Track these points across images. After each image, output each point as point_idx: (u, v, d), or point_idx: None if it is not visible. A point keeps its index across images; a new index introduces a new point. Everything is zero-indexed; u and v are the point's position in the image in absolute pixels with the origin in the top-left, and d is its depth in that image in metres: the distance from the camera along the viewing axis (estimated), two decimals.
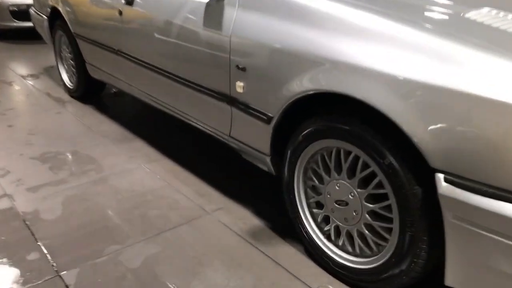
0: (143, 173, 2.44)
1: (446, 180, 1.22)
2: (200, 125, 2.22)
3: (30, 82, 4.05)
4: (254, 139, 1.87)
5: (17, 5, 5.53)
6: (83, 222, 1.99)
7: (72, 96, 3.63)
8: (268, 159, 1.84)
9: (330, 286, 1.61)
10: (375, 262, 1.50)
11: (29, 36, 5.47)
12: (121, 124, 3.10)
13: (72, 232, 1.93)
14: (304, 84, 1.53)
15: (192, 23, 2.01)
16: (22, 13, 5.54)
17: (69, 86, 3.64)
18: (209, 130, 2.17)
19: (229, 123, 1.98)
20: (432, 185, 1.27)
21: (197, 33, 1.98)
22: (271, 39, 1.63)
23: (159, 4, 2.23)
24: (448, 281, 1.31)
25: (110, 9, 2.62)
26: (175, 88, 2.24)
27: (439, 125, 1.19)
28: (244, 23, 1.75)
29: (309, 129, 1.57)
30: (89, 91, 3.51)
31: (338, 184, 1.55)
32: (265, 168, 1.94)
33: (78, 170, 2.45)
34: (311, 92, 1.51)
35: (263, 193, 2.25)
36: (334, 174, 1.56)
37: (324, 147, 1.57)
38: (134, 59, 2.52)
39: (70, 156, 2.61)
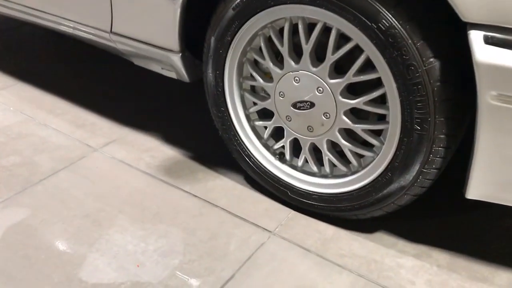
0: None
1: (487, 40, 0.78)
2: (67, 26, 1.50)
3: None
4: (152, 28, 1.24)
5: None
6: None
7: None
8: (177, 58, 1.24)
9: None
10: (358, 181, 1.06)
11: None
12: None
13: None
14: None
15: None
16: None
17: None
18: (80, 30, 1.47)
19: (109, 12, 1.31)
20: (459, 54, 0.83)
21: None
22: None
23: None
24: (471, 192, 0.92)
25: None
26: None
27: None
28: None
29: None
30: None
31: (296, 78, 1.04)
32: (171, 75, 1.35)
33: None
34: None
35: (170, 112, 1.66)
36: (289, 62, 1.04)
37: (270, 22, 1.02)
38: None
39: None
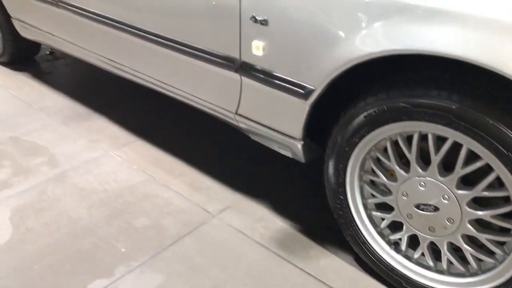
0: (113, 163, 1.87)
1: None
2: (189, 99, 1.67)
3: None
4: (278, 118, 1.37)
5: None
6: (45, 247, 1.44)
7: None
8: (298, 145, 1.36)
9: None
10: (476, 285, 1.11)
11: None
12: (70, 96, 2.44)
13: (30, 265, 1.38)
14: (371, 43, 1.04)
15: None
16: None
17: None
18: (203, 105, 1.64)
19: (237, 97, 1.46)
20: None
21: None
22: None
23: None
24: None
25: None
26: (150, 50, 1.66)
27: None
28: None
29: (378, 107, 1.10)
30: (20, 55, 2.77)
31: (422, 183, 1.12)
32: (287, 154, 1.47)
33: (24, 166, 1.84)
34: (381, 55, 1.03)
35: (283, 185, 1.78)
36: (416, 168, 1.12)
37: (400, 132, 1.11)
38: (85, 13, 1.87)
39: (10, 147, 1.98)
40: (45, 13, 2.16)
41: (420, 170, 1.11)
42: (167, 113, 2.27)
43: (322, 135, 1.37)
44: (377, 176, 1.21)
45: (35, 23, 2.32)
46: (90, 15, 1.85)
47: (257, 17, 1.25)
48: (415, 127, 1.07)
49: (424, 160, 1.11)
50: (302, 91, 1.23)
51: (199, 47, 1.47)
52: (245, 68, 1.36)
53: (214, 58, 1.44)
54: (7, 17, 2.52)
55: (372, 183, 1.27)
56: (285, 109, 1.32)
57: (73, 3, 1.92)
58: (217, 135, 2.07)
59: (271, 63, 1.28)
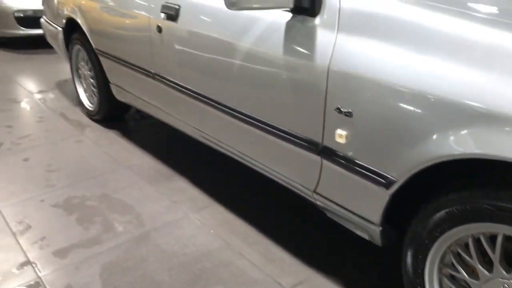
0: (192, 226, 1.99)
1: None
2: (269, 173, 1.77)
3: (42, 100, 3.60)
4: (357, 202, 1.42)
5: (23, 11, 5.08)
6: None
7: (92, 119, 3.18)
8: (376, 229, 1.40)
9: None
10: None
11: (37, 45, 5.03)
12: (155, 156, 2.65)
13: None
14: (456, 145, 1.08)
15: (264, 48, 1.56)
16: (28, 19, 5.09)
17: (88, 107, 3.19)
18: (282, 179, 1.72)
19: (317, 177, 1.53)
20: None
21: (272, 62, 1.53)
22: (400, 75, 1.18)
23: (214, 22, 1.78)
24: None
25: (145, 25, 2.17)
26: (237, 127, 1.80)
27: None
28: (350, 52, 1.30)
29: (460, 205, 1.12)
30: (113, 114, 3.06)
31: (506, 285, 1.11)
32: (364, 236, 1.50)
33: (113, 224, 2.00)
34: (470, 157, 1.07)
35: (359, 262, 1.80)
36: (499, 270, 1.11)
37: (482, 231, 1.12)
38: (179, 87, 2.07)
39: (100, 203, 2.17)
40: (141, 83, 2.40)
41: (504, 272, 1.10)
42: (243, 179, 2.39)
43: (400, 220, 1.40)
44: (458, 272, 1.21)
45: (131, 89, 2.57)
46: (183, 90, 2.04)
47: (342, 109, 1.34)
48: (499, 229, 1.08)
49: (510, 261, 1.11)
50: (383, 181, 1.28)
51: (284, 128, 1.58)
52: (327, 153, 1.44)
53: (297, 140, 1.54)
54: (106, 82, 2.82)
55: (452, 277, 1.26)
56: (365, 195, 1.37)
57: (169, 78, 2.13)
58: (293, 203, 2.14)
59: (353, 152, 1.35)
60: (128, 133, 2.97)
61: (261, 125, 1.66)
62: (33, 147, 2.77)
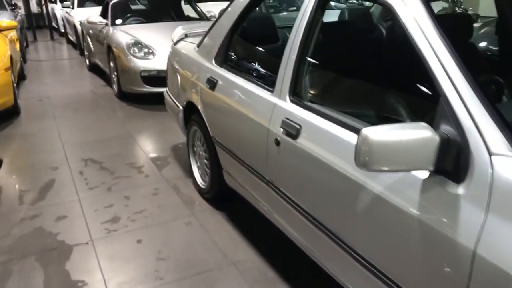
0: None
1: None
2: None
3: (158, 167, 3.79)
4: None
5: (148, 71, 5.50)
6: None
7: (202, 196, 3.25)
8: None
9: None
10: None
11: (159, 100, 5.39)
12: (260, 252, 2.58)
13: None
14: None
15: (398, 200, 1.42)
16: (151, 78, 5.50)
17: (200, 184, 3.27)
18: None
19: None
20: None
21: (405, 216, 1.38)
22: None
23: (336, 152, 1.68)
24: None
25: (263, 133, 2.15)
26: (353, 267, 1.66)
27: None
28: (506, 242, 1.11)
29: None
30: (222, 196, 3.10)
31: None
32: None
33: None
34: None
35: None
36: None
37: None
38: (293, 203, 2.00)
39: None
40: (254, 183, 2.37)
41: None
42: None
43: None
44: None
45: (243, 184, 2.57)
46: (297, 207, 1.96)
47: None
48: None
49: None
50: None
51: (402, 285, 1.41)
52: None
53: None
54: (220, 168, 2.86)
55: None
56: None
57: (282, 190, 2.07)
58: None
59: None
60: (235, 219, 2.96)
61: (384, 278, 1.51)
62: (146, 227, 2.88)
